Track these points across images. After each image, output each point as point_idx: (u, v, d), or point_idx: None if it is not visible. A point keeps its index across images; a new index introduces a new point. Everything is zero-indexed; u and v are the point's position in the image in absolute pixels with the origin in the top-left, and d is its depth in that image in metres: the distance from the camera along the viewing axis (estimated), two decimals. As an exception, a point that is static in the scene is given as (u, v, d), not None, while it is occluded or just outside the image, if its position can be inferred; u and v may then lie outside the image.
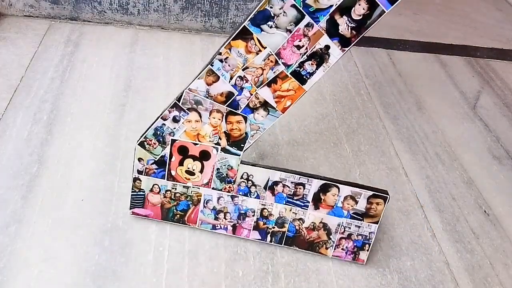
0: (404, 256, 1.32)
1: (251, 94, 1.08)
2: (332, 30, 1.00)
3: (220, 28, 2.19)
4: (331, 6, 0.98)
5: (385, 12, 0.97)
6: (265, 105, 1.09)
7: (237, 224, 1.23)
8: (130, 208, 1.25)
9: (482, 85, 2.20)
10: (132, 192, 1.22)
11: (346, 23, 0.99)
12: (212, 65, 1.07)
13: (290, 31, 1.01)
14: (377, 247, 1.32)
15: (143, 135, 1.17)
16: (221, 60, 1.06)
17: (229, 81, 1.07)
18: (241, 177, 1.17)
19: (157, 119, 1.15)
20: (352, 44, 1.01)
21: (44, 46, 1.90)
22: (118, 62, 1.88)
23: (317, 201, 1.17)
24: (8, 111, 1.55)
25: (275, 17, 1.00)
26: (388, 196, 1.17)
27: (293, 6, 0.99)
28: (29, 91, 1.65)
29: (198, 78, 1.08)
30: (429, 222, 1.44)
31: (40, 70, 1.75)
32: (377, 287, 1.22)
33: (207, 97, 1.09)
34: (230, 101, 1.09)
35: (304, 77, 1.06)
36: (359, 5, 0.97)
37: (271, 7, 1.00)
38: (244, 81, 1.07)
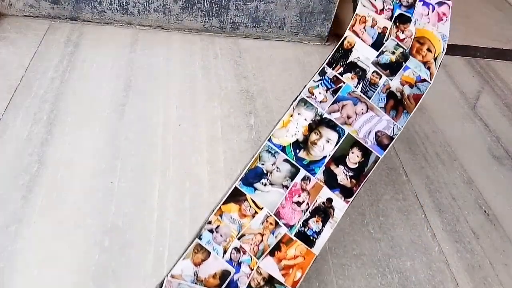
0: (404, 256, 1.32)
1: (252, 269, 0.87)
2: (331, 181, 0.92)
3: (220, 28, 2.18)
4: (325, 157, 0.92)
5: (379, 158, 0.93)
6: (270, 282, 0.87)
7: None
8: None
9: (482, 85, 2.20)
10: None
11: (344, 172, 0.93)
12: (200, 239, 0.87)
13: (286, 186, 0.91)
14: (377, 247, 1.32)
15: None
16: (211, 231, 0.88)
17: (223, 256, 0.87)
18: None
19: None
20: (356, 194, 0.92)
21: (44, 46, 1.90)
22: (118, 62, 1.88)
23: None
24: (8, 111, 1.55)
25: (268, 173, 0.91)
26: None
27: (286, 160, 0.92)
28: (29, 91, 1.65)
29: (183, 259, 0.86)
30: (429, 222, 1.44)
31: (40, 70, 1.75)
32: (377, 287, 1.22)
33: (195, 283, 0.85)
34: (226, 283, 0.85)
35: (311, 237, 0.90)
36: (353, 153, 0.93)
37: (262, 164, 0.91)
38: (241, 253, 0.88)
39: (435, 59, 0.97)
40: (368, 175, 0.92)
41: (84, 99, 1.66)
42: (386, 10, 1.01)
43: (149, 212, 1.30)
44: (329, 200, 0.92)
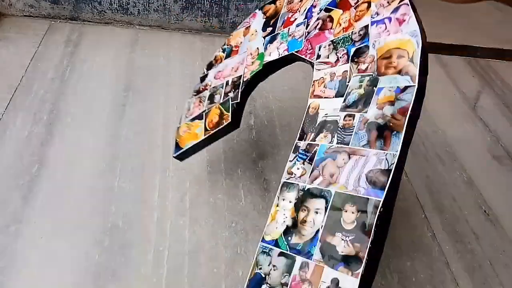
0: (404, 256, 1.32)
1: None
2: (331, 256, 0.76)
3: (220, 28, 2.18)
4: (318, 230, 0.79)
5: (380, 201, 0.73)
6: None
7: None
8: None
9: (482, 85, 2.20)
10: None
11: (343, 239, 0.76)
12: None
13: (286, 284, 0.79)
14: (377, 247, 1.32)
15: None
16: None
17: None
18: None
19: None
20: (366, 260, 0.72)
21: (44, 46, 1.90)
22: (118, 62, 1.88)
23: None
24: (8, 111, 1.55)
25: (267, 276, 0.82)
26: None
27: (281, 254, 0.82)
28: (29, 91, 1.65)
29: None
30: (429, 222, 1.44)
31: (40, 70, 1.75)
32: (377, 287, 1.22)
33: None
34: None
35: None
36: (346, 211, 0.77)
37: (260, 269, 0.83)
38: None
39: (411, 60, 0.82)
40: (374, 228, 0.72)
41: (84, 99, 1.66)
42: (341, 57, 0.94)
43: (149, 212, 1.30)
44: (335, 281, 0.73)
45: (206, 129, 1.18)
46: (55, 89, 1.68)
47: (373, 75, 0.85)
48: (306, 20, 1.10)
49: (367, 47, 0.91)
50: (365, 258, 0.71)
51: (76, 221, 1.24)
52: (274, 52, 1.12)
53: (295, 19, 1.13)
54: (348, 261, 0.73)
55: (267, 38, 1.19)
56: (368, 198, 0.74)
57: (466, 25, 2.72)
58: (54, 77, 1.74)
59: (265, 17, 1.27)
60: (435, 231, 1.42)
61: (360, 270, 0.70)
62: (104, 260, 1.16)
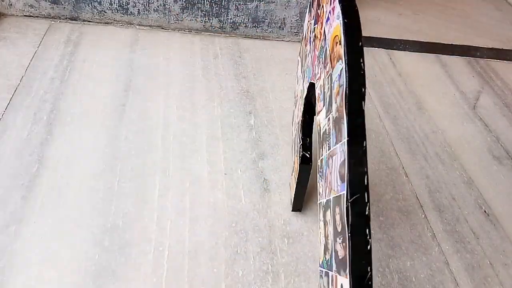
0: (404, 256, 1.32)
1: None
2: (338, 264, 0.77)
3: (220, 28, 2.19)
4: (331, 241, 0.80)
5: (345, 193, 0.74)
6: None
7: None
8: None
9: (482, 85, 2.20)
10: None
11: (339, 243, 0.76)
12: None
13: None
14: (377, 247, 1.32)
15: None
16: None
17: None
18: None
19: None
20: (350, 258, 0.70)
21: (44, 46, 1.90)
22: (118, 62, 1.88)
23: None
24: (8, 111, 1.55)
25: None
26: None
27: (325, 274, 0.84)
28: (29, 91, 1.65)
29: None
30: (429, 222, 1.44)
31: (40, 70, 1.75)
32: (377, 287, 1.22)
33: None
34: None
35: None
36: (337, 214, 0.78)
37: None
38: None
39: (340, 42, 0.80)
40: (346, 224, 0.71)
41: (84, 99, 1.66)
42: (321, 67, 0.97)
43: (149, 212, 1.30)
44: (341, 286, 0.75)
45: (295, 178, 1.32)
46: (55, 89, 1.68)
47: (330, 72, 0.87)
48: (310, 47, 1.17)
49: (327, 48, 0.93)
50: (348, 256, 0.69)
51: (76, 221, 1.24)
52: (305, 88, 1.21)
53: (307, 50, 1.22)
54: (344, 263, 0.72)
55: (301, 77, 1.31)
56: (340, 195, 0.75)
57: (466, 25, 2.72)
58: (54, 77, 1.74)
59: (300, 60, 1.41)
60: (435, 231, 1.42)
61: (347, 271, 0.69)
62: (104, 260, 1.17)
